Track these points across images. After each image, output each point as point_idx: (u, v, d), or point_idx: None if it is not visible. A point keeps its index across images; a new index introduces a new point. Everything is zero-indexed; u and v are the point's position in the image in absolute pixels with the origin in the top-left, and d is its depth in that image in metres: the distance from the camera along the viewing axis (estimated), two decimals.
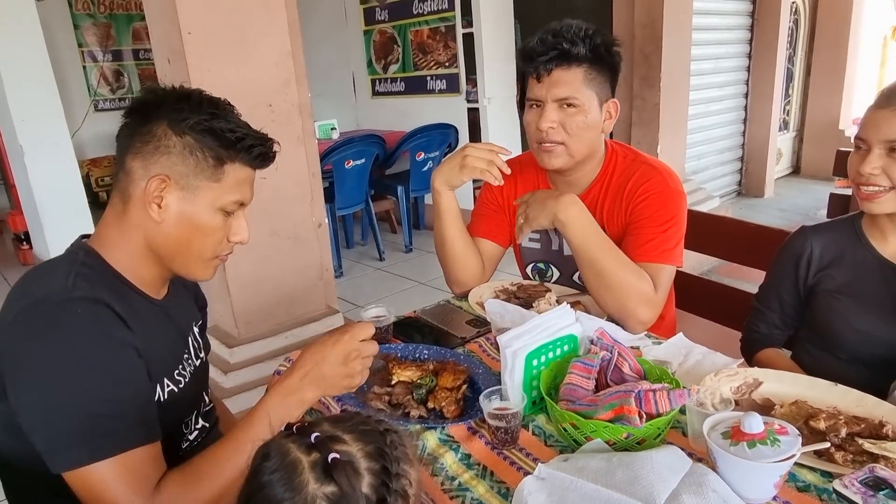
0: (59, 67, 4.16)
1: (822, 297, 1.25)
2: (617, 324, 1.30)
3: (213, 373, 2.11)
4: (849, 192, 2.40)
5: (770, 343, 1.37)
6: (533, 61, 1.34)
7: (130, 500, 0.81)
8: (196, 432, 1.08)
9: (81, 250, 0.93)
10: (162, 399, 0.94)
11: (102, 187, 5.92)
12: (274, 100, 2.13)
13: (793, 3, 5.34)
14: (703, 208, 3.90)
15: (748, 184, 5.50)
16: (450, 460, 0.94)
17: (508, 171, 1.41)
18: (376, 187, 4.56)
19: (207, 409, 1.14)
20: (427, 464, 0.93)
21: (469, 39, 4.41)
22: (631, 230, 1.39)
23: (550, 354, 1.06)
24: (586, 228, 1.32)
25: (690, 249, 1.84)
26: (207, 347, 1.19)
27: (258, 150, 0.93)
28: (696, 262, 3.40)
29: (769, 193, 5.44)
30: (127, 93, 6.68)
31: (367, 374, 0.95)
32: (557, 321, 1.09)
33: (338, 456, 0.59)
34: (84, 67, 6.42)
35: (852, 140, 1.18)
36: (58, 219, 4.31)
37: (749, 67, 5.20)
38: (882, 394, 1.04)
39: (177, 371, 0.99)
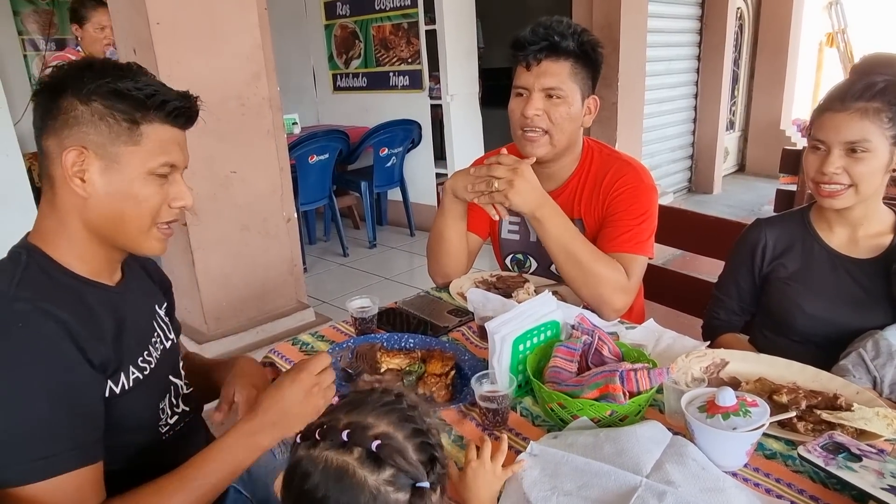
0: None
1: (775, 284, 1.35)
2: (592, 311, 1.37)
3: None
4: (793, 188, 2.56)
5: (729, 328, 1.46)
6: (524, 50, 1.39)
7: None
8: (176, 416, 1.05)
9: (24, 250, 0.89)
10: (126, 387, 0.91)
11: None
12: (244, 93, 2.11)
13: (738, 8, 5.60)
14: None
15: (697, 181, 5.75)
16: (444, 442, 0.98)
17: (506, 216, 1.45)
18: (339, 183, 4.53)
19: (187, 392, 1.11)
20: None
21: (432, 36, 4.43)
22: (607, 223, 1.46)
23: (535, 339, 1.12)
24: (561, 225, 1.38)
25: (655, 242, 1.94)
26: (178, 329, 1.15)
27: (173, 106, 0.89)
28: (656, 254, 3.55)
29: (717, 190, 5.69)
30: None
31: (329, 401, 0.94)
32: (541, 308, 1.14)
33: (379, 441, 0.60)
34: (25, 56, 6.11)
35: (806, 140, 1.27)
36: (1, 215, 4.11)
37: (698, 69, 5.43)
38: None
39: (141, 358, 0.96)
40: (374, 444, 0.60)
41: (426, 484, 0.60)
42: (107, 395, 0.89)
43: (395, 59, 4.73)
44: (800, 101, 6.34)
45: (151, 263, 1.15)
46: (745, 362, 1.16)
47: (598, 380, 0.97)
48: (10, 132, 4.11)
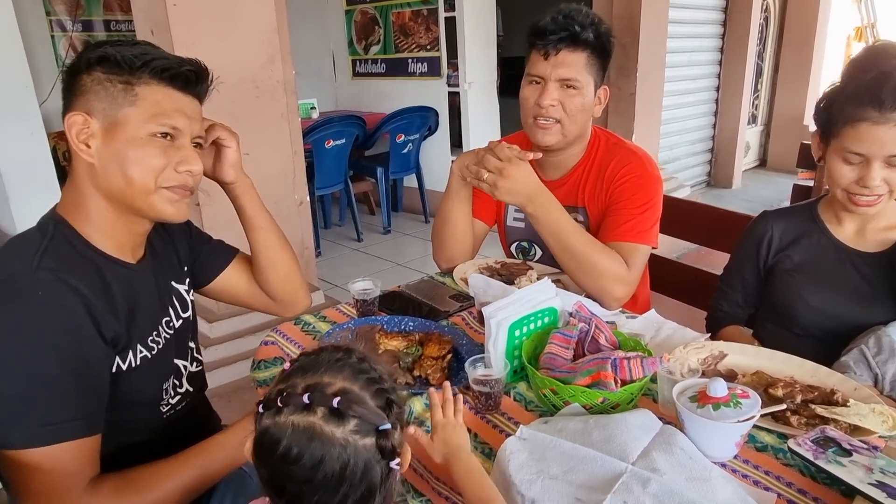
0: (25, 36, 4.01)
1: (780, 276, 1.33)
2: (594, 300, 1.37)
3: None
4: (810, 183, 2.52)
5: (732, 321, 1.45)
6: (543, 38, 1.38)
7: (58, 493, 0.81)
8: (178, 397, 1.07)
9: (52, 221, 0.92)
10: (133, 364, 0.93)
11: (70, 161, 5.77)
12: (259, 76, 2.13)
13: (764, 1, 5.48)
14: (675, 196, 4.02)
15: (717, 175, 5.67)
16: (419, 408, 1.00)
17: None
18: (355, 168, 4.56)
19: (194, 371, 1.13)
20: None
21: (451, 23, 4.41)
22: (610, 211, 1.46)
23: (532, 326, 1.12)
24: (554, 220, 1.36)
25: (664, 234, 1.93)
26: (188, 307, 1.14)
27: (161, 64, 0.90)
28: (669, 247, 3.52)
29: (737, 185, 5.61)
30: None
31: None
32: (539, 294, 1.14)
33: (339, 397, 0.63)
34: (52, 37, 6.21)
35: (815, 139, 1.23)
36: (25, 193, 4.18)
37: (721, 62, 5.34)
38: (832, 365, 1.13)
39: (150, 337, 0.98)
40: (335, 400, 0.63)
41: (388, 425, 0.64)
42: (113, 370, 0.91)
43: (413, 46, 4.72)
44: None
45: (182, 236, 1.15)
46: (744, 355, 1.15)
47: (590, 367, 0.98)
48: (36, 111, 4.20)
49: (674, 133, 5.05)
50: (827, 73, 6.12)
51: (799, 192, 2.54)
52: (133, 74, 0.89)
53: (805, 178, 2.73)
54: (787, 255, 1.33)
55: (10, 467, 0.80)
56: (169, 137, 0.92)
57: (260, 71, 2.13)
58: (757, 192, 5.47)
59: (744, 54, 5.19)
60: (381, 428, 0.64)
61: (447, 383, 0.95)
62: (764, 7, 5.57)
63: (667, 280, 1.83)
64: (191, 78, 0.95)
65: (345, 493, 0.62)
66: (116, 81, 0.89)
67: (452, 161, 4.96)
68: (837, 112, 1.17)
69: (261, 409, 0.65)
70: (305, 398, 0.63)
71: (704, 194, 5.42)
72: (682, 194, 4.29)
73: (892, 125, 1.10)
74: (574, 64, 1.39)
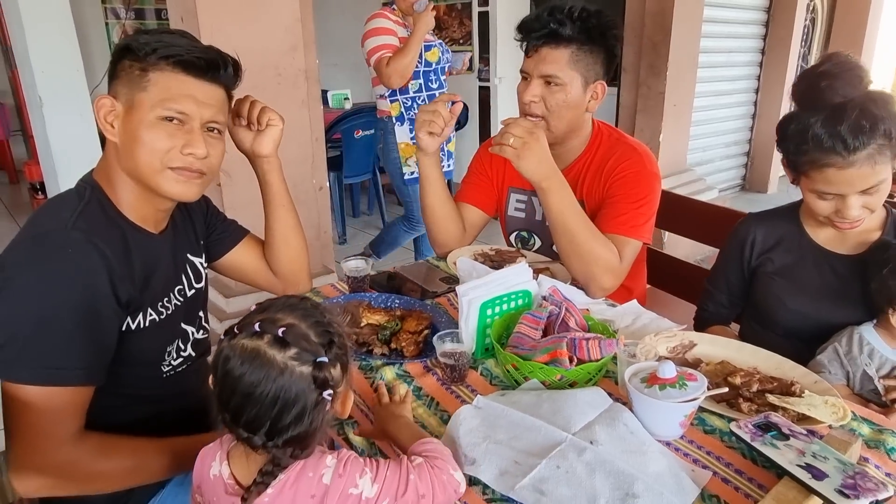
0: (80, 22, 4.25)
1: (762, 278, 1.34)
2: (580, 288, 1.41)
3: (210, 320, 2.24)
4: None
5: (717, 321, 1.47)
6: (526, 36, 1.42)
7: (44, 433, 0.88)
8: (181, 360, 1.15)
9: (89, 186, 1.02)
10: (142, 326, 1.02)
11: None
12: (281, 63, 2.23)
13: (810, 2, 5.32)
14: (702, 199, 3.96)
15: (752, 179, 5.54)
16: (404, 389, 1.06)
17: (457, 98, 1.48)
18: None
19: (200, 338, 1.21)
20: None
21: (484, 18, 4.46)
22: (606, 204, 1.48)
23: (505, 306, 1.17)
24: (565, 199, 1.39)
25: (679, 235, 1.95)
26: (202, 279, 1.22)
27: (172, 52, 0.97)
28: (691, 251, 3.48)
29: (772, 190, 5.47)
30: None
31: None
32: (514, 277, 1.19)
33: (284, 328, 0.73)
34: (106, 24, 6.51)
35: (813, 192, 1.19)
36: (73, 171, 4.41)
37: (762, 63, 5.21)
38: None
39: (161, 303, 1.06)
40: (280, 330, 0.73)
41: (325, 359, 0.73)
42: (122, 329, 0.99)
43: (447, 40, 4.77)
44: None
45: (200, 214, 1.25)
46: (714, 346, 1.18)
47: (548, 345, 1.02)
48: (85, 95, 4.44)
49: (708, 134, 4.96)
50: (876, 76, 5.90)
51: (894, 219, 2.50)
52: (147, 61, 0.98)
53: None
54: (768, 258, 1.34)
55: (9, 403, 0.90)
56: (177, 121, 0.99)
57: (282, 59, 2.23)
58: (792, 199, 5.32)
59: (786, 56, 5.05)
60: (318, 360, 0.73)
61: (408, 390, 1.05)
62: (811, 8, 5.41)
63: (663, 275, 1.85)
64: (199, 65, 1.01)
65: (279, 410, 0.72)
66: (136, 68, 0.98)
67: None
68: (801, 152, 1.15)
69: (221, 337, 0.75)
70: (256, 326, 0.73)
71: (737, 198, 5.31)
72: (709, 196, 4.23)
73: (859, 165, 1.09)
74: (556, 60, 1.41)
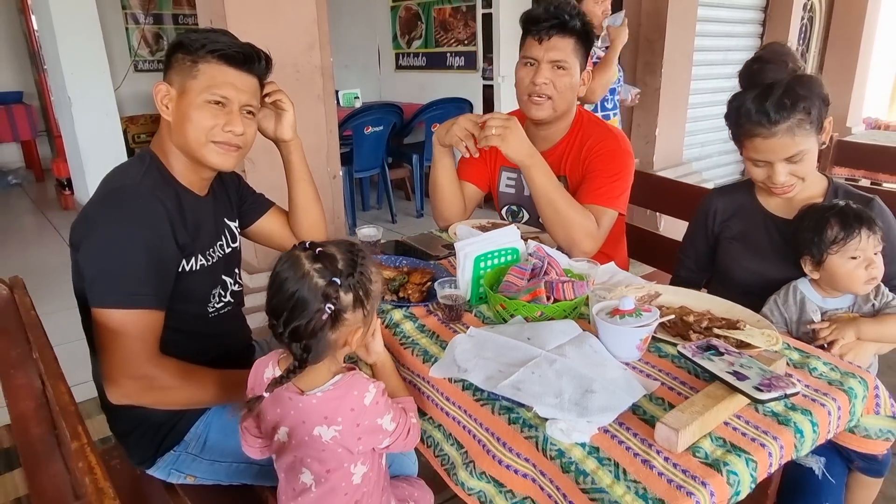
0: (103, 27, 4.48)
1: (723, 243, 1.54)
2: (564, 253, 1.60)
3: None
4: (842, 180, 2.63)
5: (688, 285, 1.63)
6: (537, 25, 1.63)
7: (130, 352, 1.08)
8: (222, 304, 1.37)
9: (148, 154, 1.24)
10: (194, 268, 1.24)
11: (138, 143, 6.30)
12: (299, 61, 2.44)
13: (807, 1, 5.47)
14: None
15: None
16: (408, 327, 1.26)
17: (476, 154, 1.68)
18: (394, 155, 4.86)
19: (236, 290, 1.43)
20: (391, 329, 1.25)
21: (488, 20, 4.66)
22: (585, 178, 1.69)
23: (496, 260, 1.36)
24: (546, 174, 1.61)
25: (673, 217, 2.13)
26: (237, 240, 1.44)
27: (217, 47, 1.17)
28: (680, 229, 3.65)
29: None
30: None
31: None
32: (504, 237, 1.39)
33: (322, 248, 0.94)
34: (126, 29, 6.78)
35: (749, 160, 1.37)
36: (99, 167, 4.68)
37: None
38: None
39: (208, 251, 1.29)
40: (319, 249, 0.94)
41: (338, 280, 0.93)
42: (179, 270, 1.21)
43: (452, 41, 4.98)
44: (872, 99, 6.13)
45: (234, 186, 1.47)
46: (676, 295, 1.36)
47: (530, 286, 1.22)
48: (111, 94, 4.70)
49: (707, 130, 5.12)
50: (874, 74, 6.04)
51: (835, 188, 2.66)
52: (197, 55, 1.19)
53: (840, 175, 2.79)
54: (727, 225, 1.53)
55: (98, 327, 1.10)
56: (220, 105, 1.21)
57: (300, 56, 2.44)
58: None
59: None
60: (332, 279, 0.92)
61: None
62: (808, 7, 5.56)
63: (644, 249, 2.03)
64: (239, 58, 1.23)
65: (293, 306, 0.92)
66: (187, 60, 1.20)
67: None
68: (738, 124, 1.35)
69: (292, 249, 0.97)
70: (308, 244, 0.95)
71: None
72: None
73: (780, 136, 1.28)
74: (564, 48, 1.62)
